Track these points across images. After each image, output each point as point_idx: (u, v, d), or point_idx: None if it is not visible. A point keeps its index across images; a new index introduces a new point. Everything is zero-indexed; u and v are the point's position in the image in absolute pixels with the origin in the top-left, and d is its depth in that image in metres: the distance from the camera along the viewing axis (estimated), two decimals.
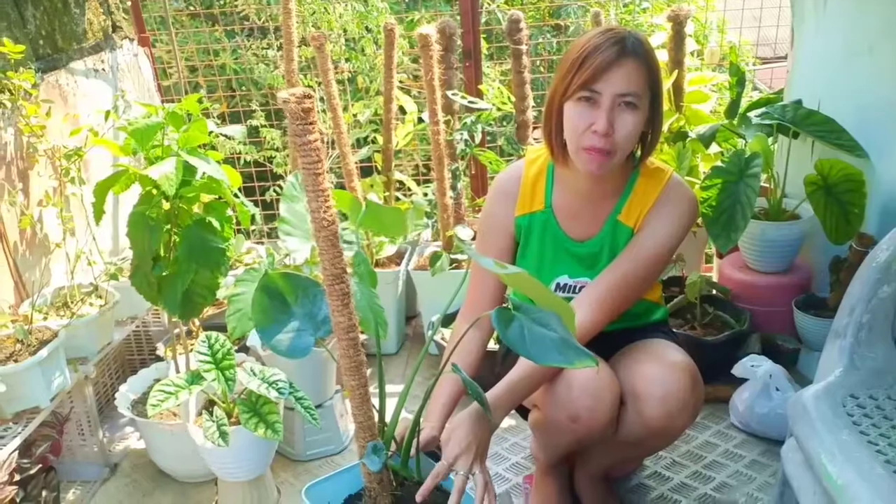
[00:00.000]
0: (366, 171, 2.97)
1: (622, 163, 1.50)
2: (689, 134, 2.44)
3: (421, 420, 1.38)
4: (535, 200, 1.63)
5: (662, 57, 2.60)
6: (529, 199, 1.64)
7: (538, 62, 3.88)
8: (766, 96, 2.61)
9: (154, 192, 1.79)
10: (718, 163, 2.21)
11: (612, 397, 1.48)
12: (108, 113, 2.15)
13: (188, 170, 1.77)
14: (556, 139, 1.52)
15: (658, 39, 2.69)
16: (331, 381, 2.13)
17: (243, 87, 3.67)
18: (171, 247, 1.84)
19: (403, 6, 4.11)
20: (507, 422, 2.22)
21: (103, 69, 2.68)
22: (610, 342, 1.61)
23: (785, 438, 1.52)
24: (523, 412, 1.74)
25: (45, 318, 2.04)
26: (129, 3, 2.90)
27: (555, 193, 1.62)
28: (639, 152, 1.55)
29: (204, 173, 1.81)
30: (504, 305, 1.20)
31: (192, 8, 3.77)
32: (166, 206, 1.82)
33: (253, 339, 2.13)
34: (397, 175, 2.89)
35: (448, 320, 2.47)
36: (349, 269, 1.29)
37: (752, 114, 2.33)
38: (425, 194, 2.90)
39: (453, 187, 2.57)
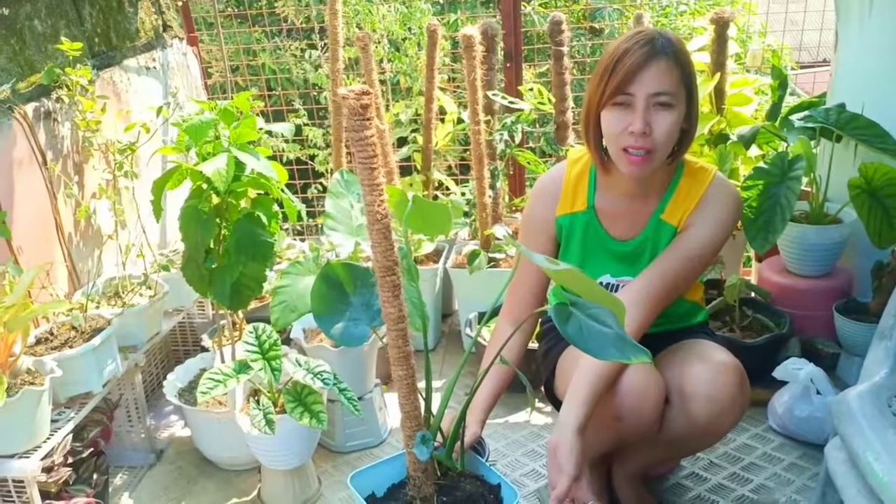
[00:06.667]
0: (404, 171, 3.01)
1: (664, 162, 1.51)
2: (730, 137, 2.43)
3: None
4: (578, 201, 1.64)
5: (704, 59, 2.60)
6: (571, 199, 1.65)
7: (572, 64, 3.88)
8: (808, 100, 2.59)
9: (204, 186, 1.84)
10: (761, 164, 2.20)
11: (657, 397, 1.49)
12: (159, 109, 2.22)
13: (238, 165, 1.82)
14: (597, 147, 1.54)
15: (698, 42, 2.69)
16: (370, 375, 2.17)
17: (282, 87, 3.74)
18: (219, 240, 1.89)
19: (440, 7, 4.15)
20: (544, 420, 2.24)
21: (154, 67, 2.76)
22: (654, 344, 1.61)
23: (824, 442, 1.51)
24: (560, 406, 1.75)
25: (97, 307, 2.10)
26: (179, 4, 2.98)
27: (597, 194, 1.63)
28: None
29: (252, 169, 1.86)
30: (561, 302, 1.22)
31: (230, 9, 3.84)
32: (216, 200, 1.87)
33: (296, 332, 2.18)
34: (436, 174, 2.93)
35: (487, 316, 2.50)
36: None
37: (794, 117, 2.32)
38: (463, 194, 2.93)
39: (492, 187, 2.59)
